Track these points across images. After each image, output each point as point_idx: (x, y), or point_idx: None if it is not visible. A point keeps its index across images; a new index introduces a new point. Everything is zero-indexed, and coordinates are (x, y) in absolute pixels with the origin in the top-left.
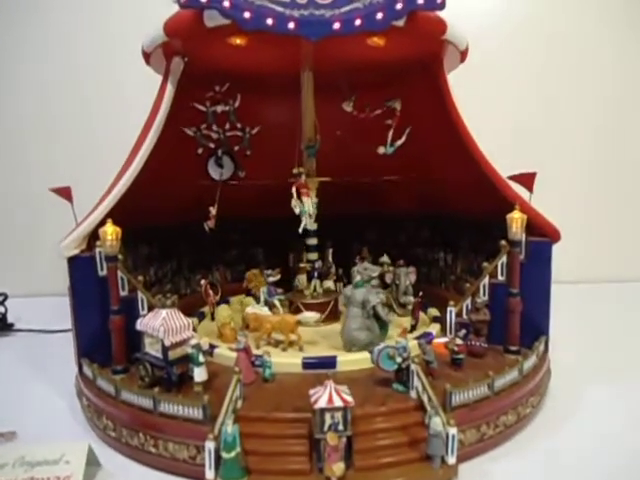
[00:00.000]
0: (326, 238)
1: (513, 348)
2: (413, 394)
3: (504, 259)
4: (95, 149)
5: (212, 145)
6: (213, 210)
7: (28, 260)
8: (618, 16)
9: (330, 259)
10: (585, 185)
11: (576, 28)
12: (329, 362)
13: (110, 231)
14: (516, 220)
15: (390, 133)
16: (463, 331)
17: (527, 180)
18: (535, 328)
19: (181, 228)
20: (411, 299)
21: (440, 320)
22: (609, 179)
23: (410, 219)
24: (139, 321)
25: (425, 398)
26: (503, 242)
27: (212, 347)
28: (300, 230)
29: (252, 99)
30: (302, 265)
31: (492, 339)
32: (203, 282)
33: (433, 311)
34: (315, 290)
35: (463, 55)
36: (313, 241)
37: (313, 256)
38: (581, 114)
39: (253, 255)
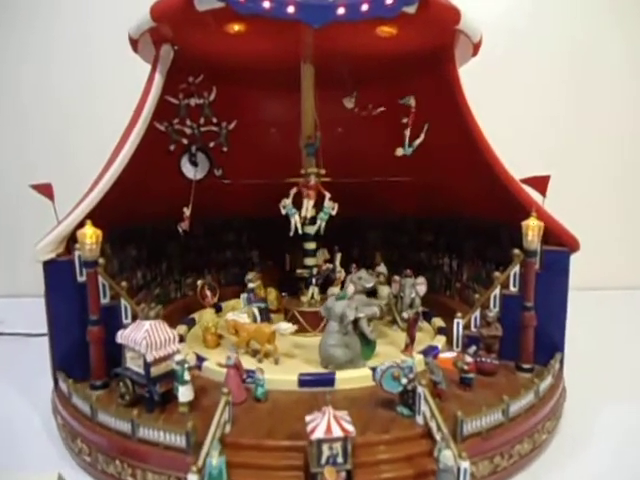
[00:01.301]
0: (327, 242)
1: (526, 366)
2: (420, 419)
3: (517, 269)
4: (80, 143)
5: (185, 141)
6: (187, 211)
7: (12, 260)
8: (635, 14)
9: (338, 264)
10: (599, 188)
11: (593, 27)
12: (327, 379)
13: (89, 233)
14: (532, 228)
15: (407, 132)
16: (473, 347)
17: (540, 183)
18: (550, 344)
19: (171, 229)
20: (413, 314)
21: (445, 332)
22: (625, 182)
23: (413, 222)
24: (120, 333)
25: (433, 425)
26: (516, 251)
27: (200, 360)
28: (291, 233)
29: (248, 92)
30: (300, 271)
31: (502, 354)
32: (199, 282)
33: (437, 321)
34: (312, 298)
35: (476, 48)
36: (311, 245)
37: (311, 261)
38: (597, 114)
39: (248, 257)
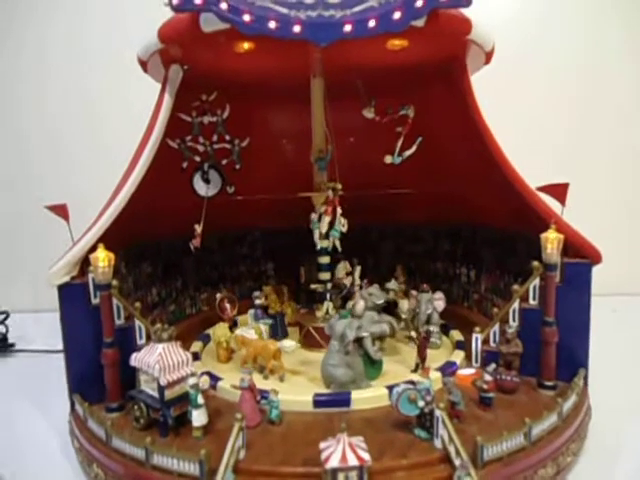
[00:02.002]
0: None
1: (549, 383)
2: (438, 443)
3: (536, 282)
4: (94, 163)
5: (198, 159)
6: (198, 228)
7: (33, 274)
8: None
9: (357, 277)
10: (619, 195)
11: (603, 32)
12: (342, 400)
13: (102, 257)
14: (552, 240)
15: (399, 142)
16: (492, 365)
17: (559, 192)
18: (573, 360)
19: (186, 244)
20: (434, 330)
21: (464, 346)
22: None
23: (429, 231)
24: (133, 356)
25: (452, 450)
26: (536, 263)
27: (215, 379)
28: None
29: (258, 108)
30: (314, 286)
31: (523, 370)
32: (219, 296)
33: (455, 334)
34: (327, 313)
35: (488, 56)
36: (325, 259)
37: (325, 276)
38: (609, 121)
39: (263, 270)
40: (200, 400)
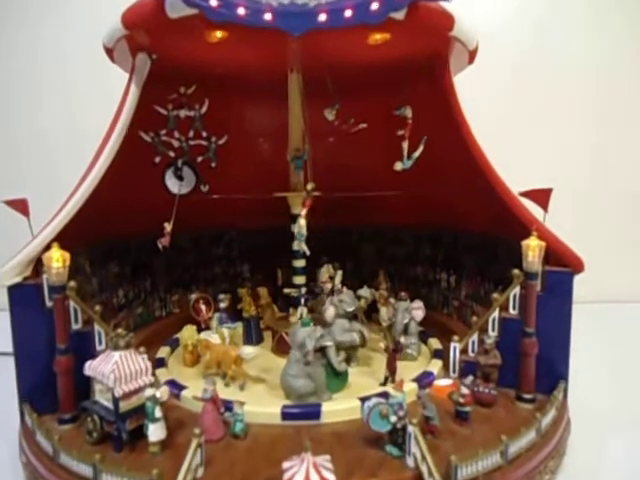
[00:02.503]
0: (319, 256)
1: (527, 396)
2: (410, 461)
3: (517, 290)
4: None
5: (172, 154)
6: (168, 227)
7: None
8: None
9: (338, 282)
10: (602, 201)
11: (602, 34)
12: (312, 412)
13: (56, 257)
14: (533, 248)
15: (405, 145)
16: (469, 377)
17: (541, 197)
18: (552, 372)
19: (155, 243)
20: (411, 341)
21: (442, 355)
22: (627, 194)
23: (410, 234)
24: (87, 364)
25: (425, 469)
26: (516, 271)
27: (179, 388)
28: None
29: (234, 104)
30: (288, 290)
31: (501, 381)
32: (193, 296)
33: (434, 342)
34: (302, 318)
35: (472, 55)
36: (300, 263)
37: (300, 280)
38: (597, 122)
39: (239, 272)
40: (158, 413)
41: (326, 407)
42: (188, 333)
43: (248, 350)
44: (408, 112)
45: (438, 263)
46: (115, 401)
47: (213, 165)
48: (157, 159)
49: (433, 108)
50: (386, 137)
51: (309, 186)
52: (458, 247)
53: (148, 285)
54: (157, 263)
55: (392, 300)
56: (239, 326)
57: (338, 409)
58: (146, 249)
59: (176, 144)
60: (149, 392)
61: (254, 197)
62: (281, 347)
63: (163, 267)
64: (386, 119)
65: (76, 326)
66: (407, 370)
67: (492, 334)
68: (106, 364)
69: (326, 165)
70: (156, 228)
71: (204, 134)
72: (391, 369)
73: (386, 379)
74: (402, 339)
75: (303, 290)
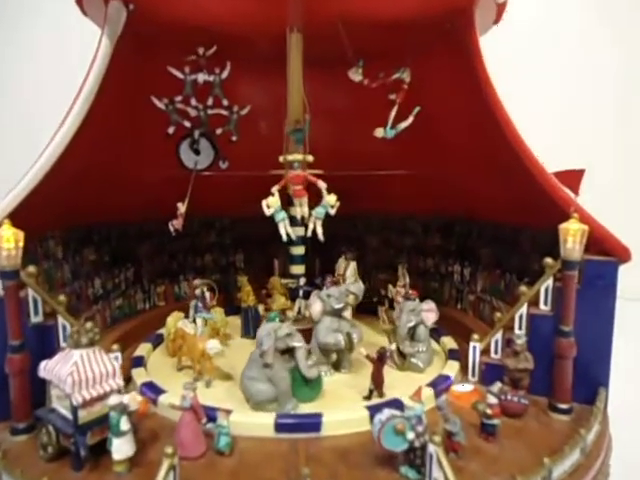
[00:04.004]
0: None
1: (563, 406)
2: None
3: (549, 282)
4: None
5: (188, 124)
6: (182, 207)
7: None
8: None
9: (350, 275)
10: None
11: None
12: (311, 423)
13: (7, 236)
14: (573, 232)
15: (393, 112)
16: (497, 384)
17: (572, 179)
18: (591, 377)
19: (143, 228)
20: (418, 349)
21: (458, 355)
22: None
23: (418, 222)
24: (43, 365)
25: None
26: (549, 260)
27: (157, 392)
28: (284, 238)
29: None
30: (285, 281)
31: (531, 388)
32: (196, 282)
33: (448, 341)
34: (299, 313)
35: (499, 11)
36: (299, 250)
37: (299, 269)
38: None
39: (231, 261)
40: (124, 425)
41: (328, 417)
42: (173, 320)
43: (213, 344)
44: (406, 76)
45: (450, 254)
46: (73, 410)
47: (234, 139)
48: (171, 129)
49: (453, 74)
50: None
51: (307, 157)
52: (472, 236)
53: (130, 275)
54: (141, 250)
55: (400, 298)
56: (215, 317)
57: (342, 420)
58: (129, 235)
59: (193, 113)
60: (114, 400)
61: (246, 174)
62: None
63: (148, 255)
64: (391, 88)
65: (36, 319)
66: (419, 375)
67: (520, 333)
68: (64, 365)
69: (327, 143)
70: (143, 211)
71: (225, 102)
72: (376, 381)
73: (370, 392)
74: (406, 346)
75: (302, 281)
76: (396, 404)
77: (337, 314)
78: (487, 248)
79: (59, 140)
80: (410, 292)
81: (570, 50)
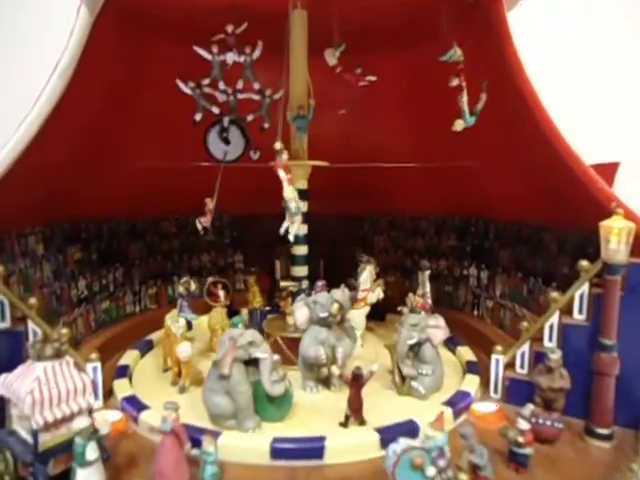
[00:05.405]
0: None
1: (602, 432)
2: None
3: (585, 288)
4: None
5: (216, 111)
6: (210, 203)
7: None
8: None
9: (365, 278)
10: None
11: None
12: (312, 449)
13: None
14: (618, 231)
15: (464, 98)
16: (529, 406)
17: (606, 173)
18: (635, 398)
19: (136, 226)
20: (414, 372)
21: (477, 369)
22: None
23: (431, 222)
24: (1, 379)
25: None
26: (584, 263)
27: (139, 408)
28: (291, 237)
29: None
30: (284, 284)
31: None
32: (210, 279)
33: (465, 352)
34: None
35: None
36: (302, 250)
37: (301, 271)
38: None
39: (230, 262)
40: (91, 454)
41: (331, 441)
42: (170, 317)
43: (183, 348)
44: (458, 54)
45: (465, 256)
46: (33, 434)
47: (266, 126)
48: (197, 116)
49: (476, 54)
50: (406, 99)
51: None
52: (489, 236)
53: (119, 275)
54: (132, 250)
55: (404, 309)
56: (198, 319)
57: (349, 445)
58: (119, 232)
59: (221, 98)
60: (79, 423)
61: (241, 165)
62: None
63: (140, 255)
64: (405, 76)
65: (2, 324)
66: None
67: (553, 346)
68: (24, 380)
69: (332, 135)
70: (137, 208)
71: (256, 86)
72: (352, 406)
73: (347, 419)
74: (406, 366)
75: (304, 284)
76: (410, 427)
77: (325, 324)
78: (506, 249)
79: (28, 124)
80: (416, 302)
81: (609, 30)
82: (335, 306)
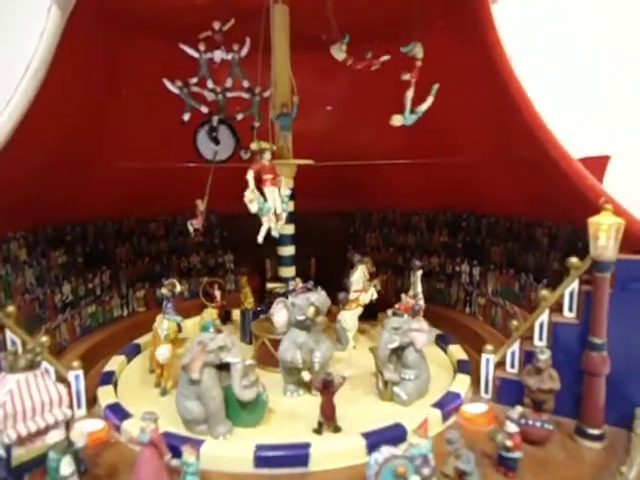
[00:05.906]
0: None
1: (593, 432)
2: None
3: (575, 285)
4: None
5: (205, 110)
6: (201, 205)
7: None
8: None
9: (357, 278)
10: None
11: None
12: (297, 456)
13: None
14: (607, 228)
15: (409, 94)
16: (518, 408)
17: (596, 166)
18: (626, 397)
19: (122, 229)
20: (396, 378)
21: (468, 368)
22: None
23: (422, 218)
24: None
25: None
26: (574, 260)
27: (122, 416)
28: (260, 238)
29: None
30: (271, 286)
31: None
32: (205, 280)
33: (456, 351)
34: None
35: None
36: (289, 251)
37: (288, 272)
38: None
39: (220, 262)
40: (65, 469)
41: (317, 448)
42: (158, 320)
43: (161, 351)
44: (418, 50)
45: (457, 252)
46: (6, 448)
47: (257, 125)
48: (186, 116)
49: (461, 48)
50: (396, 92)
51: (267, 145)
52: (481, 232)
53: (106, 278)
54: (119, 252)
55: (389, 311)
56: (180, 320)
57: (333, 452)
58: (105, 235)
59: (210, 97)
60: (53, 437)
61: (228, 165)
62: (263, 357)
63: (127, 257)
64: (395, 69)
65: None
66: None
67: (542, 346)
68: None
69: (317, 130)
70: (122, 210)
71: (245, 84)
72: (325, 413)
73: (320, 426)
74: (389, 370)
75: (291, 285)
76: (397, 431)
77: (304, 327)
78: (498, 245)
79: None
80: (403, 302)
81: (596, 23)
82: (311, 309)
